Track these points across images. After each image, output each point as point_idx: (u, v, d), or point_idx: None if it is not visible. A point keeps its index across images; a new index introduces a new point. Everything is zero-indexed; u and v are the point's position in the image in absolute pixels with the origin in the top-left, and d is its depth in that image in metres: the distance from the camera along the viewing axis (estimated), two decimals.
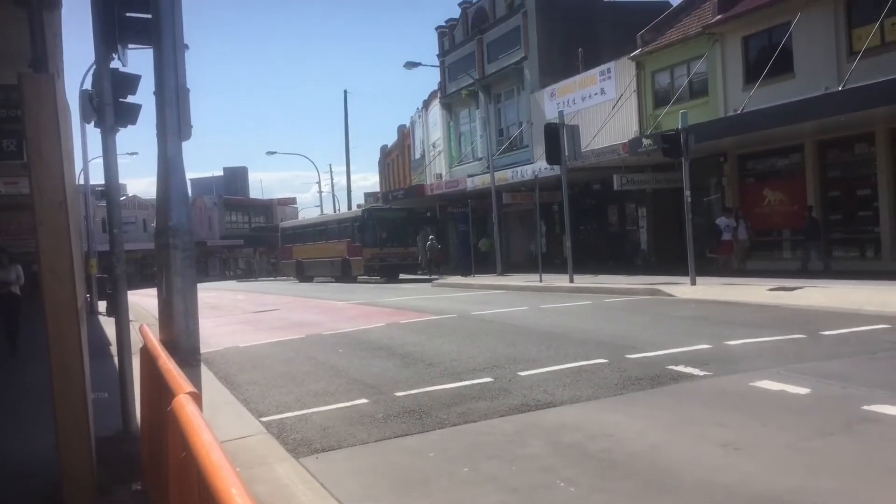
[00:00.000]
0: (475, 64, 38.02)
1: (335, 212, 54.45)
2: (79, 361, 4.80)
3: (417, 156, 49.31)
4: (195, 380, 4.80)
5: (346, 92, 52.60)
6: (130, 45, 6.74)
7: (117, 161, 7.13)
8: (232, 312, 21.25)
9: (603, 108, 28.36)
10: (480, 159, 36.73)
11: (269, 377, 9.44)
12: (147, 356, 4.99)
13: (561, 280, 21.44)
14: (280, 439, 6.28)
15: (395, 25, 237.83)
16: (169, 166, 5.52)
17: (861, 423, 5.65)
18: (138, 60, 7.17)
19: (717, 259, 21.73)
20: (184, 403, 2.87)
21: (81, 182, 25.49)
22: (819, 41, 20.23)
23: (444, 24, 42.30)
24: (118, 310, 7.05)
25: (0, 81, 10.17)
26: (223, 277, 66.48)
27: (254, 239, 69.73)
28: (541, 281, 22.49)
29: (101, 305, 21.56)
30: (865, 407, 5.98)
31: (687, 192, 17.78)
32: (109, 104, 6.79)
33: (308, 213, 76.88)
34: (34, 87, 4.83)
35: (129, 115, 7.06)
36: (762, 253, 22.39)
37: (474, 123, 39.21)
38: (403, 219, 35.70)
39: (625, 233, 29.71)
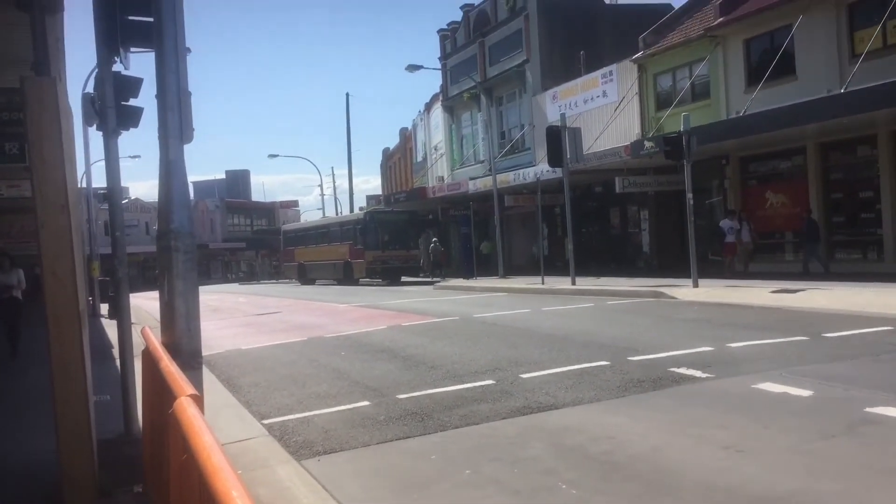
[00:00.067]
0: (477, 67, 38.05)
1: (337, 214, 54.49)
2: (80, 364, 4.80)
3: (419, 158, 49.34)
4: (197, 382, 4.81)
5: (348, 95, 52.75)
6: (132, 49, 6.77)
7: (119, 164, 7.14)
8: (234, 315, 21.26)
9: (605, 111, 28.36)
10: (482, 162, 36.74)
11: (270, 379, 9.44)
12: (149, 359, 4.99)
13: (563, 282, 21.42)
14: (282, 442, 6.28)
15: (396, 28, 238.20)
16: (171, 169, 5.54)
17: (863, 425, 5.64)
18: (140, 64, 7.20)
19: (723, 261, 21.74)
20: (185, 406, 2.87)
21: (84, 185, 25.55)
22: (821, 44, 20.23)
23: (446, 27, 42.33)
24: (120, 312, 7.06)
25: (2, 85, 10.21)
26: (225, 280, 66.50)
27: (256, 242, 69.82)
28: (543, 283, 22.47)
29: (104, 308, 21.65)
30: (868, 409, 5.97)
31: (689, 195, 17.77)
32: (111, 107, 6.81)
33: (310, 215, 77.15)
34: (36, 90, 4.85)
35: (131, 118, 7.08)
36: (765, 255, 22.38)
37: (476, 126, 39.24)
38: (405, 221, 35.69)
39: (627, 235, 29.68)
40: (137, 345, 7.05)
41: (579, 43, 31.99)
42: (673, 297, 16.37)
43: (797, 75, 20.94)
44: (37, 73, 7.02)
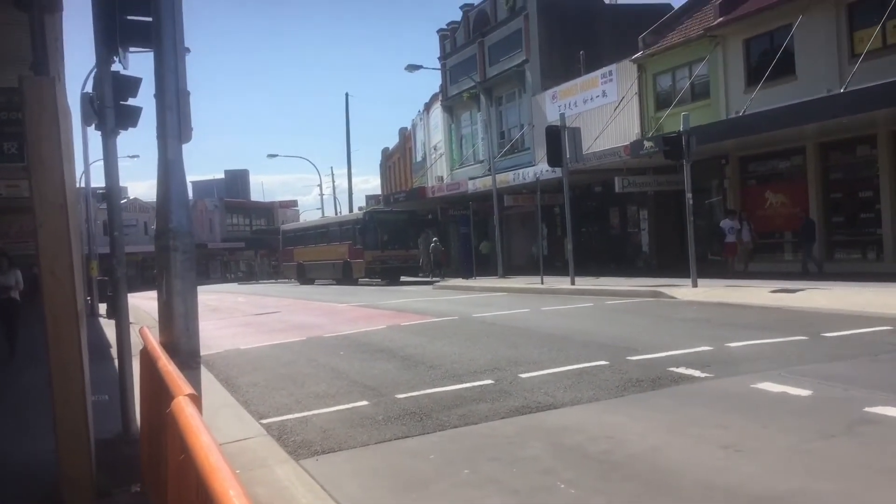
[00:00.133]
0: (476, 66, 38.05)
1: (336, 214, 54.50)
2: (78, 363, 4.80)
3: (419, 158, 49.35)
4: (195, 382, 4.80)
5: (347, 95, 52.88)
6: (131, 49, 6.76)
7: (118, 164, 7.14)
8: (233, 315, 21.26)
9: (604, 111, 28.37)
10: (482, 162, 36.75)
11: (269, 379, 9.44)
12: (147, 358, 4.99)
13: (562, 282, 21.43)
14: (280, 441, 6.27)
15: (396, 28, 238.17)
16: (169, 169, 5.53)
17: (863, 425, 5.64)
18: (139, 63, 7.19)
19: (725, 261, 21.76)
20: (183, 405, 2.86)
21: (82, 185, 25.54)
22: (820, 44, 20.24)
23: (446, 26, 42.33)
24: (118, 312, 7.05)
25: (1, 84, 10.20)
26: (224, 280, 66.48)
27: (255, 241, 69.80)
28: (542, 283, 22.48)
29: (102, 308, 21.65)
30: (867, 409, 5.97)
31: (688, 195, 17.77)
32: (110, 107, 6.80)
33: (309, 215, 77.14)
34: (35, 89, 4.84)
35: (129, 117, 7.07)
36: (764, 255, 22.39)
37: (476, 126, 39.24)
38: (405, 221, 35.69)
39: (626, 235, 29.69)
40: (136, 344, 7.04)
41: (579, 43, 32.01)
42: (672, 297, 16.37)
43: (797, 75, 20.94)
44: (35, 73, 7.00)
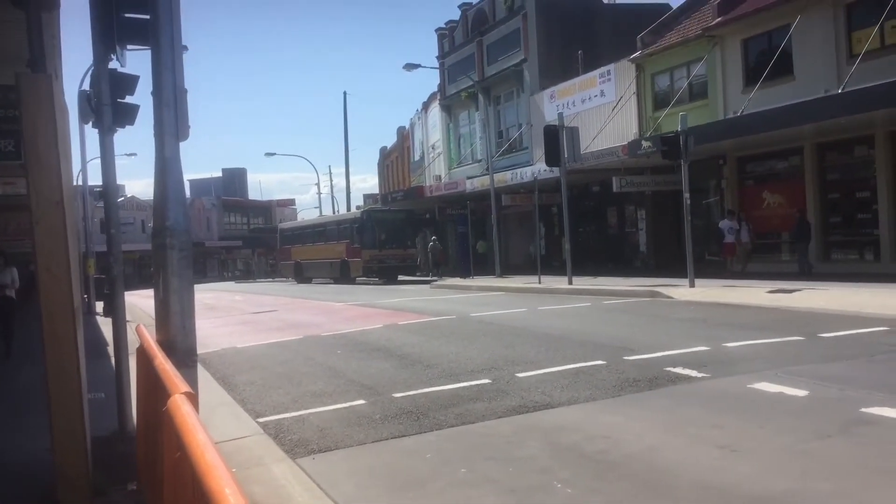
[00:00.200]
0: (475, 66, 38.04)
1: (334, 213, 54.45)
2: (75, 361, 4.79)
3: (417, 157, 49.34)
4: (191, 380, 4.79)
5: (345, 93, 52.68)
6: (129, 46, 6.74)
7: (115, 161, 7.13)
8: (230, 313, 21.24)
9: (602, 111, 28.38)
10: (480, 161, 36.74)
11: (266, 378, 9.43)
12: (143, 356, 4.98)
13: (560, 282, 21.43)
14: (277, 440, 6.27)
15: (394, 27, 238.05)
16: (166, 166, 5.52)
17: (859, 425, 5.64)
18: (136, 61, 7.19)
19: (723, 262, 21.78)
20: (179, 403, 2.86)
21: (80, 183, 25.50)
22: (819, 44, 20.25)
23: (444, 25, 42.32)
24: (115, 310, 7.04)
25: None
26: (221, 278, 66.46)
27: (252, 240, 69.76)
28: (540, 283, 22.48)
29: (99, 306, 21.62)
30: (863, 409, 5.97)
31: (686, 195, 17.78)
32: (107, 104, 6.79)
33: (307, 214, 76.99)
34: (32, 87, 4.83)
35: (127, 115, 7.06)
36: (762, 255, 22.41)
37: (474, 125, 39.23)
38: (402, 220, 35.69)
39: (624, 235, 29.71)
40: (132, 342, 7.04)
41: (577, 42, 32.03)
42: (669, 297, 16.38)
43: (795, 75, 20.96)
44: (33, 70, 6.99)
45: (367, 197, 55.85)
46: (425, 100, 47.17)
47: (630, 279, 21.40)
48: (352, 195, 54.62)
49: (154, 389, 4.10)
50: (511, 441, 5.84)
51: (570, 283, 20.70)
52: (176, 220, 5.49)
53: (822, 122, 18.00)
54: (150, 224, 6.67)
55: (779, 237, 22.41)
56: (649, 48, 26.81)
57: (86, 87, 9.61)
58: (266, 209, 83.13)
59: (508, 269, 30.30)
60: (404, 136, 54.21)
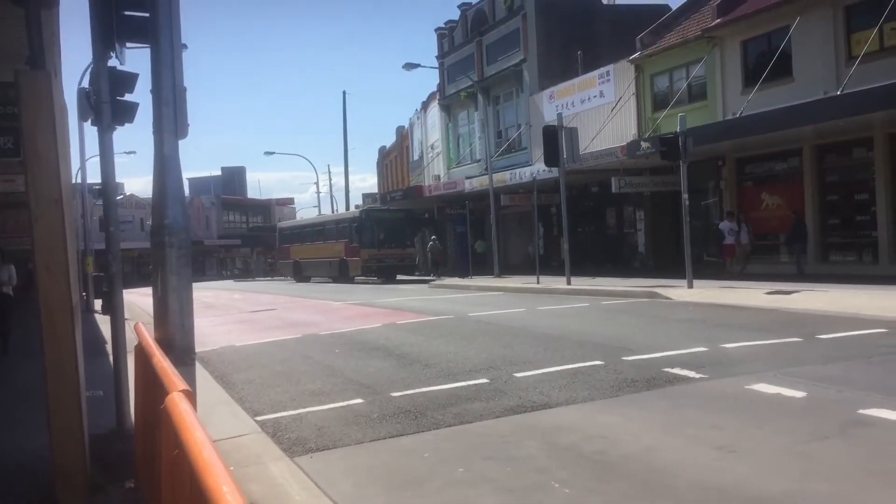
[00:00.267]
0: (474, 66, 38.04)
1: (333, 212, 54.45)
2: (73, 359, 4.79)
3: (416, 157, 49.33)
4: (190, 378, 4.79)
5: (344, 93, 52.76)
6: (128, 44, 6.73)
7: (114, 159, 7.12)
8: (228, 312, 21.23)
9: (602, 111, 28.38)
10: (479, 161, 36.75)
11: (264, 376, 9.43)
12: (142, 354, 4.98)
13: (558, 282, 21.43)
14: (275, 438, 6.26)
15: (394, 27, 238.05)
16: (165, 164, 5.52)
17: (856, 426, 5.65)
18: (136, 59, 7.18)
19: (723, 263, 21.80)
20: (177, 401, 2.86)
21: (79, 180, 25.48)
22: (818, 46, 20.26)
23: (444, 25, 42.31)
24: (114, 308, 7.03)
25: None
26: (220, 277, 66.46)
27: (251, 239, 69.76)
28: (538, 283, 22.48)
29: (97, 304, 21.61)
30: (861, 411, 5.98)
31: (685, 196, 17.79)
32: (107, 102, 6.78)
33: (306, 213, 77.00)
34: (31, 84, 4.83)
35: (126, 113, 7.05)
36: (760, 257, 22.42)
37: (473, 125, 39.23)
38: (401, 220, 35.70)
39: (622, 235, 29.72)
40: (131, 340, 7.03)
41: (577, 43, 32.03)
42: (668, 298, 16.38)
43: (794, 77, 20.97)
44: (32, 68, 6.97)
45: (366, 196, 55.90)
46: (424, 99, 47.20)
47: (628, 280, 21.40)
48: (351, 194, 54.60)
49: (152, 387, 4.10)
50: (509, 441, 5.84)
51: (569, 283, 20.70)
52: (175, 218, 5.49)
53: (821, 123, 18.02)
54: (149, 222, 6.65)
55: (777, 239, 22.43)
56: (649, 49, 26.81)
57: (85, 84, 9.61)
58: (265, 208, 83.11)
59: (507, 269, 30.31)
60: (403, 135, 54.20)
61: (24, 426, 7.18)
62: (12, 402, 8.79)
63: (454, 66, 40.14)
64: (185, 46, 6.28)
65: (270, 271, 57.80)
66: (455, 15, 41.15)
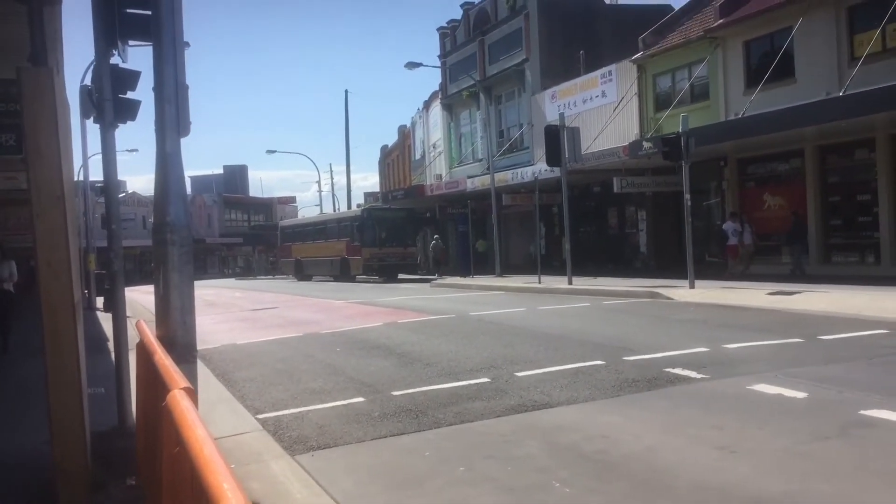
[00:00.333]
0: (476, 65, 38.03)
1: (335, 211, 54.45)
2: (75, 356, 4.79)
3: (418, 156, 49.32)
4: (191, 376, 4.80)
5: (346, 91, 52.87)
6: (130, 42, 6.74)
7: (116, 157, 7.14)
8: (230, 310, 21.24)
9: (604, 111, 28.36)
10: (481, 160, 36.74)
11: (266, 374, 9.43)
12: (143, 352, 4.98)
13: (560, 282, 21.43)
14: (276, 436, 6.27)
15: (396, 25, 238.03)
16: (167, 162, 5.52)
17: (857, 427, 5.64)
18: (138, 57, 7.17)
19: (727, 264, 21.78)
20: (178, 399, 2.86)
21: (81, 178, 25.50)
22: (820, 46, 20.24)
23: (446, 24, 42.32)
24: (115, 305, 7.04)
25: None
26: (222, 275, 66.46)
27: (253, 237, 69.75)
28: (539, 282, 22.48)
29: (99, 301, 21.63)
30: (862, 411, 5.97)
31: (687, 196, 17.78)
32: (109, 100, 6.78)
33: (308, 211, 76.95)
34: (33, 81, 4.82)
35: (128, 110, 7.05)
36: (762, 257, 22.39)
37: (475, 124, 39.23)
38: (403, 219, 35.71)
39: (624, 235, 29.71)
40: (132, 338, 7.04)
41: (579, 42, 32.01)
42: (669, 298, 16.37)
43: (796, 77, 20.94)
44: (34, 65, 6.97)
45: (367, 195, 55.82)
46: (427, 99, 47.20)
47: (630, 280, 21.40)
48: (353, 193, 54.72)
49: (154, 385, 4.10)
50: (510, 440, 5.84)
51: (570, 283, 20.70)
52: (177, 216, 5.49)
53: (824, 124, 18.00)
54: (151, 220, 6.65)
55: (779, 239, 22.39)
56: (651, 49, 26.79)
57: (87, 82, 9.61)
58: (267, 206, 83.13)
59: (508, 269, 30.30)
60: (405, 134, 54.19)
61: (25, 423, 7.18)
62: (13, 399, 8.80)
63: (456, 66, 40.13)
64: (187, 44, 6.28)
65: (272, 270, 57.78)
66: (457, 14, 41.23)
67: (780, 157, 22.15)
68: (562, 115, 22.70)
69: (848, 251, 20.56)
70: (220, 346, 12.35)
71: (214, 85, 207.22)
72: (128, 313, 8.02)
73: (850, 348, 9.04)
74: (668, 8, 31.60)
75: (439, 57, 42.28)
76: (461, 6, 40.40)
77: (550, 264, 28.31)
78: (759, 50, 22.64)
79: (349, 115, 53.25)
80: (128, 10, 6.45)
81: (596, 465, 5.13)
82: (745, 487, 4.52)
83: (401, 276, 34.44)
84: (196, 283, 5.96)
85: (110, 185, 7.27)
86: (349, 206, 49.38)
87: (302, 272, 40.74)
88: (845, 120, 17.48)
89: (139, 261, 61.39)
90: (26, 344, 12.10)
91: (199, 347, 6.01)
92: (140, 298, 24.07)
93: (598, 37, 32.62)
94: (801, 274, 19.58)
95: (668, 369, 8.08)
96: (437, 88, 43.69)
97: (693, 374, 7.80)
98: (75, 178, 23.30)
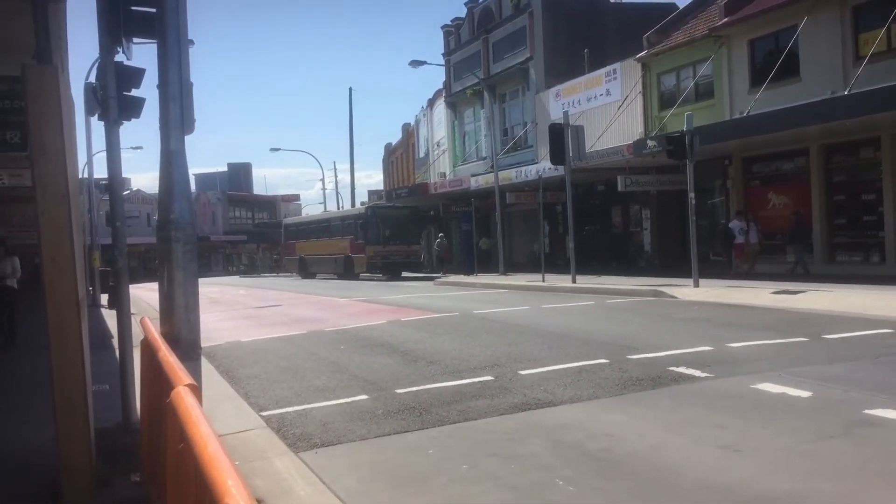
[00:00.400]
0: (481, 63, 38.00)
1: (339, 209, 54.48)
2: (79, 353, 4.80)
3: (421, 154, 49.32)
4: (195, 373, 4.80)
5: (350, 89, 53.00)
6: (135, 39, 6.74)
7: (121, 154, 7.12)
8: (234, 307, 21.27)
9: (608, 110, 28.33)
10: (484, 159, 36.72)
11: (270, 372, 9.45)
12: (147, 349, 4.99)
13: (563, 280, 21.42)
14: (280, 434, 6.28)
15: (400, 24, 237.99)
16: (171, 160, 5.53)
17: (862, 426, 5.63)
18: (143, 54, 7.19)
19: (732, 263, 21.75)
20: (182, 395, 2.86)
21: (85, 175, 25.54)
22: (825, 45, 20.19)
23: (450, 23, 42.28)
24: (120, 302, 7.05)
25: (4, 73, 10.19)
26: (226, 273, 66.57)
27: (257, 235, 69.82)
28: (543, 281, 22.47)
29: (104, 298, 21.67)
30: (866, 411, 5.96)
31: (691, 195, 17.76)
32: (113, 97, 6.78)
33: (311, 209, 77.10)
34: (38, 78, 4.83)
35: (132, 108, 7.05)
36: (767, 256, 22.33)
37: (479, 123, 39.21)
38: (406, 217, 35.73)
39: (628, 234, 29.67)
40: (137, 335, 7.04)
41: (583, 41, 31.95)
42: (673, 297, 16.36)
43: (801, 76, 20.90)
44: (39, 62, 6.98)
45: (371, 193, 55.93)
46: (431, 97, 47.17)
47: (634, 278, 21.38)
48: (356, 191, 54.69)
49: (158, 381, 4.11)
50: (513, 438, 5.84)
51: (574, 281, 20.68)
52: (181, 213, 5.50)
53: (828, 123, 17.94)
54: (156, 217, 6.66)
55: (784, 238, 22.35)
56: (655, 48, 26.74)
57: (92, 79, 9.63)
58: (271, 204, 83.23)
59: (512, 267, 30.29)
60: (409, 132, 54.18)
61: (30, 420, 7.20)
62: (18, 395, 8.83)
63: (460, 64, 40.11)
64: (191, 42, 6.28)
65: (276, 267, 57.85)
66: (462, 12, 41.14)
67: (784, 156, 22.10)
68: (566, 114, 22.67)
69: (853, 250, 20.52)
70: (224, 343, 12.37)
71: (219, 83, 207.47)
72: (132, 310, 8.03)
73: (855, 347, 9.02)
74: (673, 6, 31.56)
75: (443, 55, 42.26)
76: (465, 4, 40.38)
77: (554, 263, 28.30)
78: (763, 49, 22.59)
79: (353, 112, 53.30)
80: (133, 8, 6.43)
81: (599, 464, 5.13)
82: (748, 486, 4.51)
83: (404, 274, 34.45)
84: (200, 280, 5.97)
85: (115, 182, 7.27)
86: (353, 204, 49.45)
87: (306, 270, 40.77)
88: (850, 119, 17.42)
89: (143, 258, 61.49)
90: (31, 340, 12.13)
91: (203, 344, 6.02)
92: (144, 295, 24.13)
93: (603, 35, 32.56)
94: (805, 273, 19.54)
95: (671, 368, 8.07)
96: (441, 87, 43.67)
97: (697, 373, 7.79)
98: (80, 176, 23.35)
